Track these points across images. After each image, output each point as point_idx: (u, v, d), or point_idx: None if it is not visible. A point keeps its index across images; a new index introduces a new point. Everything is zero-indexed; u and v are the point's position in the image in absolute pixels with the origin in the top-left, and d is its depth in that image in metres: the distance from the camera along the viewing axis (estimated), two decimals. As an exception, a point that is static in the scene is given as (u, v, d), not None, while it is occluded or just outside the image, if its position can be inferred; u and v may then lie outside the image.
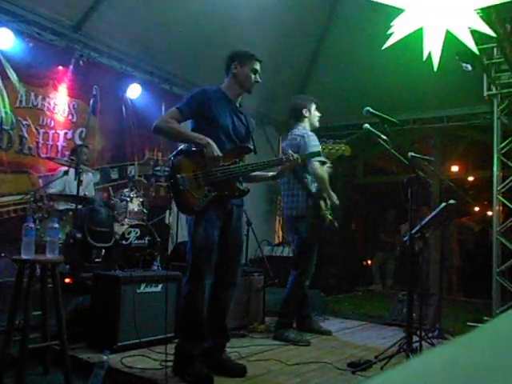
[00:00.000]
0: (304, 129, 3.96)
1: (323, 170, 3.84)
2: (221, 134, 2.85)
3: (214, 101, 2.87)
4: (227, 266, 2.91)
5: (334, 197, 3.96)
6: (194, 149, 2.79)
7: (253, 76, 2.97)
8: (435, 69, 3.40)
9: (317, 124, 4.08)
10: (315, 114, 4.06)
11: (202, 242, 2.73)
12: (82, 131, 5.38)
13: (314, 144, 3.75)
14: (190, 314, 2.78)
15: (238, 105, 3.04)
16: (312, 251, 3.95)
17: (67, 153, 5.31)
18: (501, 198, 5.12)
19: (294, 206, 3.95)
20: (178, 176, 2.70)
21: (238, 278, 3.00)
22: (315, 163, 3.83)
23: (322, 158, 3.85)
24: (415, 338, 3.17)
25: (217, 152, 2.70)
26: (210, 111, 2.84)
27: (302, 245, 3.94)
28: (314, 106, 4.06)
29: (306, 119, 4.02)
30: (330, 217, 3.92)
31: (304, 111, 4.01)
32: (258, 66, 2.99)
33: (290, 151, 3.01)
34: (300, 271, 3.93)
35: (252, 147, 2.96)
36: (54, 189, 4.57)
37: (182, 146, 2.97)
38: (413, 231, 3.26)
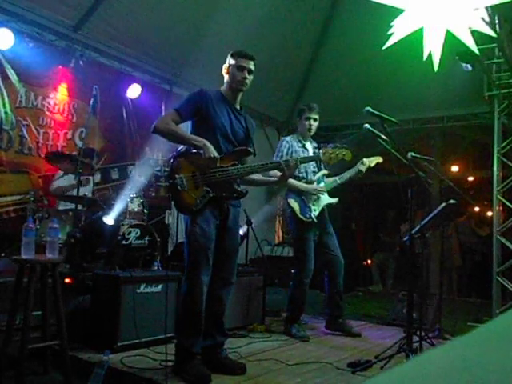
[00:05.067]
0: None
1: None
2: (218, 135, 2.86)
3: (212, 102, 2.87)
4: (224, 265, 2.94)
5: (308, 187, 3.98)
6: (193, 150, 2.80)
7: (238, 73, 2.90)
8: (435, 69, 3.40)
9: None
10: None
11: (198, 241, 2.76)
12: (81, 131, 5.37)
13: None
14: (189, 312, 2.79)
15: (237, 107, 3.02)
16: (303, 249, 4.00)
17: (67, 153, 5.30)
18: (501, 198, 5.11)
19: (287, 204, 4.11)
20: (177, 177, 2.74)
21: (234, 277, 3.02)
22: None
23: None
24: (415, 338, 3.18)
25: (213, 153, 2.72)
26: (208, 112, 2.84)
27: (293, 244, 4.15)
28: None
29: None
30: (299, 209, 3.92)
31: None
32: (245, 63, 2.91)
33: (290, 158, 3.00)
34: (296, 270, 4.12)
35: (252, 150, 2.95)
36: (62, 184, 4.57)
37: (181, 148, 2.99)
38: (413, 231, 3.26)
